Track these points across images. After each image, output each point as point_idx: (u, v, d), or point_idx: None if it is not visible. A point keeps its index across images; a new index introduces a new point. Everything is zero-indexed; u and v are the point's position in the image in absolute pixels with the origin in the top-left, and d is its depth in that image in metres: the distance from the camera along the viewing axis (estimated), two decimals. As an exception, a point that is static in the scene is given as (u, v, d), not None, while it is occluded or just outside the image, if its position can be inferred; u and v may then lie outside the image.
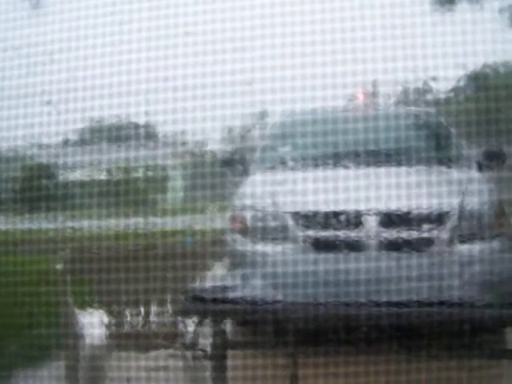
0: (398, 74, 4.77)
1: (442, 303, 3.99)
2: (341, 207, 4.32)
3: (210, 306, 3.65)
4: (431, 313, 3.74)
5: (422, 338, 3.82)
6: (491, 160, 5.10)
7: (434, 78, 5.04)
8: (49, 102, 4.68)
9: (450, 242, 4.36)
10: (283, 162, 5.09)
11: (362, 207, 4.32)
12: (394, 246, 4.31)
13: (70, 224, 4.92)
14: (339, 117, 5.08)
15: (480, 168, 5.07)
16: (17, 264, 4.24)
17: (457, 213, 4.41)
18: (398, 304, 3.86)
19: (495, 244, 4.43)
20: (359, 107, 5.53)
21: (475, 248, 4.37)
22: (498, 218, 4.49)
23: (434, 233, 4.36)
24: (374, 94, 5.47)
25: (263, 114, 5.54)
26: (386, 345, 3.67)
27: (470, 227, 4.41)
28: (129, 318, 3.88)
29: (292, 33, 4.56)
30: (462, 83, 5.32)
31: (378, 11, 4.57)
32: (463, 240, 4.39)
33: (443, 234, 4.36)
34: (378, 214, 4.34)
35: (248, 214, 4.58)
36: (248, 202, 4.68)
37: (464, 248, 4.37)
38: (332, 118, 5.07)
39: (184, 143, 5.51)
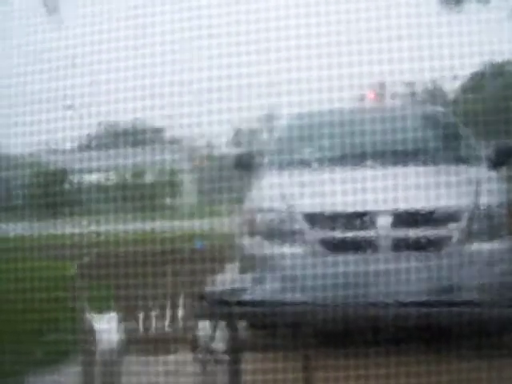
0: (409, 72, 4.77)
1: (456, 303, 3.99)
2: (354, 208, 4.32)
3: (225, 309, 3.67)
4: (446, 312, 3.74)
5: (438, 337, 3.82)
6: (503, 157, 5.08)
7: (454, 77, 5.01)
8: (70, 107, 4.71)
9: (464, 240, 4.35)
10: (295, 163, 5.09)
11: (375, 207, 4.32)
12: (407, 245, 4.30)
13: (89, 229, 4.96)
14: (351, 117, 5.08)
15: (492, 165, 5.05)
16: (36, 269, 4.29)
17: (471, 211, 4.39)
18: (415, 304, 3.86)
19: (510, 242, 4.41)
20: (370, 107, 5.53)
21: (490, 247, 4.36)
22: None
23: (448, 232, 4.35)
24: (385, 94, 5.46)
25: (273, 117, 5.55)
26: (402, 345, 3.67)
27: (485, 226, 4.40)
28: (145, 322, 3.90)
29: (300, 35, 4.57)
30: (473, 81, 5.30)
31: (385, 12, 4.57)
32: (477, 239, 4.38)
33: (457, 232, 4.35)
34: (392, 213, 4.33)
35: (261, 216, 4.59)
36: (261, 203, 4.69)
37: (478, 247, 4.35)
38: (344, 119, 5.07)
39: (197, 147, 5.54)
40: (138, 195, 4.95)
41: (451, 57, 4.48)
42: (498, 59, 5.29)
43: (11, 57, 4.81)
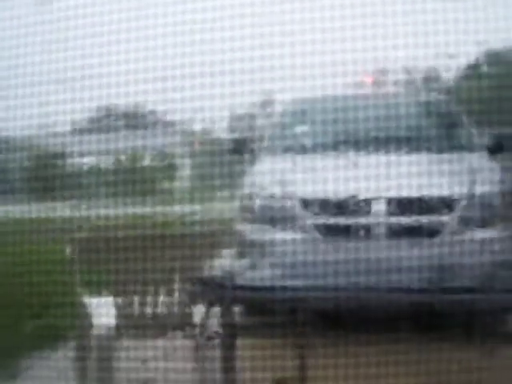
0: (409, 59, 4.75)
1: (451, 289, 4.02)
2: (350, 194, 4.33)
3: (220, 293, 3.68)
4: (441, 299, 3.76)
5: (432, 323, 3.84)
6: (500, 146, 5.08)
7: (454, 64, 4.97)
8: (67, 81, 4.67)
9: (460, 228, 4.36)
10: (292, 149, 5.09)
11: (370, 194, 4.33)
12: (402, 232, 4.31)
13: (84, 212, 4.95)
14: (349, 103, 5.06)
15: (489, 154, 5.05)
16: (31, 252, 4.28)
17: (466, 199, 4.40)
18: (408, 290, 3.88)
19: (505, 230, 4.42)
20: (369, 93, 5.51)
21: (485, 234, 4.37)
22: (507, 203, 4.48)
23: (443, 219, 4.36)
24: (383, 80, 5.44)
25: (271, 102, 5.53)
26: (397, 331, 3.68)
27: (480, 213, 4.41)
28: (140, 306, 3.92)
29: (299, 20, 4.54)
30: (473, 68, 5.28)
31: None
32: (472, 226, 4.39)
33: (452, 220, 4.36)
34: (387, 200, 4.34)
35: (257, 201, 4.60)
36: (257, 189, 4.69)
37: (473, 234, 4.36)
38: (342, 105, 5.06)
39: (192, 131, 5.51)
40: (133, 179, 4.93)
41: (452, 44, 4.46)
42: (500, 47, 5.25)
43: (6, 39, 4.78)
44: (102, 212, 4.90)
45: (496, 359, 3.69)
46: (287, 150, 5.09)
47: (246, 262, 4.35)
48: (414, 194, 4.33)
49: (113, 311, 3.81)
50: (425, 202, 4.35)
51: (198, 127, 5.46)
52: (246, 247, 4.49)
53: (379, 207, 4.34)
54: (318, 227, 4.38)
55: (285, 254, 4.26)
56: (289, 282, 4.05)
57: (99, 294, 4.04)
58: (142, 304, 3.93)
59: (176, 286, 3.88)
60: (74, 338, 3.95)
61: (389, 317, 3.69)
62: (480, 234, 4.35)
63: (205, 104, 4.77)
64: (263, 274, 4.19)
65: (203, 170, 5.22)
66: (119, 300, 3.84)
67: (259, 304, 3.88)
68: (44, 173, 4.97)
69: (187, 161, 5.73)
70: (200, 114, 5.00)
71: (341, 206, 4.37)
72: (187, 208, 4.89)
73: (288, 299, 3.76)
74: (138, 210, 4.90)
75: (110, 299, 3.90)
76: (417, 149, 4.77)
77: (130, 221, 4.69)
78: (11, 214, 5.09)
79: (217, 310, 3.76)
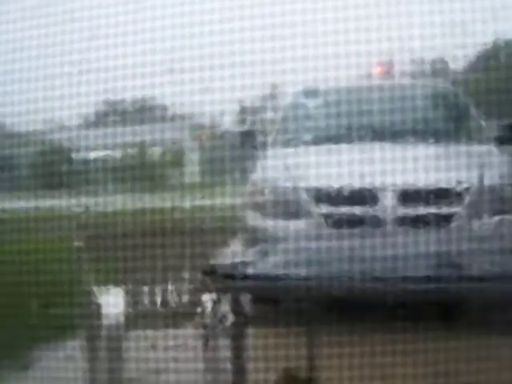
0: (417, 50, 4.73)
1: (461, 278, 4.00)
2: (358, 183, 4.31)
3: (229, 283, 3.67)
4: (451, 289, 3.75)
5: (441, 313, 3.82)
6: (509, 135, 5.06)
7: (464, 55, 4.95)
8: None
9: (469, 217, 4.34)
10: (300, 140, 5.09)
11: (379, 184, 4.31)
12: (411, 222, 4.29)
13: (92, 206, 4.95)
14: (357, 92, 5.06)
15: (499, 144, 5.04)
16: (38, 243, 4.29)
17: (476, 189, 4.38)
18: (418, 280, 3.87)
19: None
20: (377, 84, 5.50)
21: (494, 223, 4.35)
22: None
23: (452, 209, 4.34)
24: (391, 68, 5.43)
25: (278, 95, 5.53)
26: (406, 320, 3.67)
27: (489, 203, 4.39)
28: (149, 296, 3.92)
29: (306, 10, 4.53)
30: (483, 59, 5.26)
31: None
32: (482, 216, 4.37)
33: (462, 209, 4.34)
34: (396, 190, 4.32)
35: (265, 190, 4.59)
36: (265, 177, 4.69)
37: (483, 223, 4.34)
38: (349, 97, 5.05)
39: (200, 125, 5.52)
40: (141, 173, 4.93)
41: (460, 34, 4.44)
42: (509, 37, 5.23)
43: (10, 32, 4.78)
44: (109, 205, 4.91)
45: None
46: (295, 141, 5.08)
47: (254, 251, 4.35)
48: (424, 184, 4.32)
49: (121, 301, 3.81)
50: (434, 192, 4.33)
51: (205, 121, 5.47)
52: (254, 238, 4.49)
53: (388, 197, 4.32)
54: (326, 217, 4.37)
55: (293, 244, 4.26)
56: (297, 271, 4.04)
57: (108, 286, 4.05)
58: (151, 296, 3.93)
59: (186, 275, 3.87)
60: (83, 328, 3.94)
61: (400, 306, 3.66)
62: (490, 223, 4.33)
63: (213, 97, 4.76)
64: (271, 263, 4.18)
65: (211, 162, 5.22)
66: (128, 290, 3.83)
67: (267, 293, 3.87)
68: (51, 168, 4.98)
69: (194, 154, 5.74)
70: (208, 107, 5.00)
71: (349, 196, 4.35)
72: (196, 198, 4.89)
73: (296, 288, 3.75)
74: (145, 203, 4.90)
75: (120, 290, 3.90)
76: (427, 139, 4.76)
77: (138, 212, 4.69)
78: (20, 209, 5.10)
79: (227, 299, 3.75)
